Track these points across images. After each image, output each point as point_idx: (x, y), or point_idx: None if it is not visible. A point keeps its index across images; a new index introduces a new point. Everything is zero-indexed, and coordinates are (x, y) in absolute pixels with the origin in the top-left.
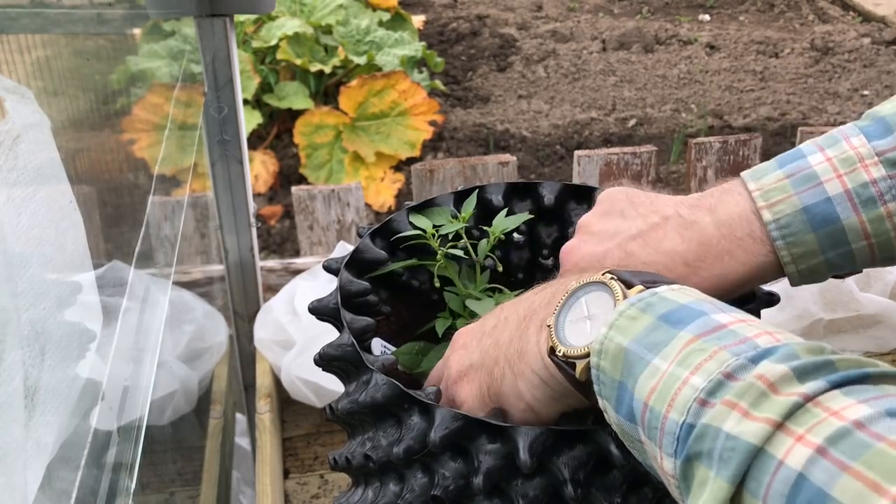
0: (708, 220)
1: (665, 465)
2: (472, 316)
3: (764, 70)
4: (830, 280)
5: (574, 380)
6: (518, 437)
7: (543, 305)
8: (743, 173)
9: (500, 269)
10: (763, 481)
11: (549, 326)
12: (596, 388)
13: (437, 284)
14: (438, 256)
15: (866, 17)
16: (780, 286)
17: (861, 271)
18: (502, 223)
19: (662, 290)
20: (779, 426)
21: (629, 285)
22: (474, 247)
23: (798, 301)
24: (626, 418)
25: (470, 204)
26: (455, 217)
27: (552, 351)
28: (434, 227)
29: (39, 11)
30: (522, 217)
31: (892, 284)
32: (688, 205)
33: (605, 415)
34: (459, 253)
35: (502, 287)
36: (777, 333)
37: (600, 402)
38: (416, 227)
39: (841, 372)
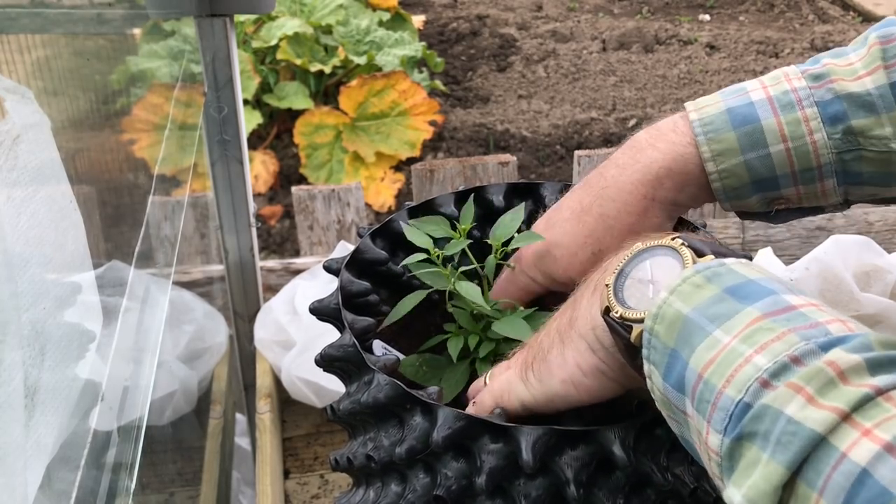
0: (642, 131)
1: (710, 441)
2: (485, 330)
3: (764, 70)
4: (830, 280)
5: (624, 344)
6: (521, 437)
7: (600, 276)
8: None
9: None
10: (823, 472)
11: (606, 286)
12: (645, 352)
13: (450, 308)
14: (450, 285)
15: (866, 17)
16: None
17: (791, 210)
18: (504, 230)
19: (731, 262)
20: (845, 417)
21: (700, 253)
22: (475, 254)
23: None
24: (675, 387)
25: (468, 214)
26: (453, 227)
27: (607, 311)
28: (435, 242)
29: (39, 11)
30: (520, 216)
31: (892, 284)
32: None
33: (647, 381)
34: (468, 287)
35: (514, 302)
36: (850, 322)
37: (646, 366)
38: (410, 242)
39: None
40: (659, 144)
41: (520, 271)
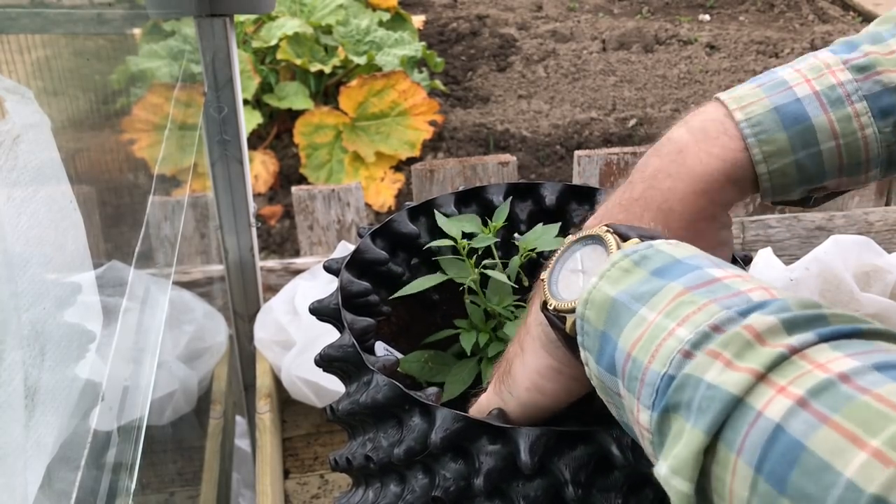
0: (682, 131)
1: (641, 418)
2: (496, 330)
3: (764, 70)
4: (830, 280)
5: (563, 337)
6: (519, 438)
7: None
8: (718, 94)
9: (527, 284)
10: (740, 432)
11: (542, 280)
12: (579, 338)
13: (468, 301)
14: (474, 274)
15: (866, 17)
16: (779, 286)
17: (829, 194)
18: (538, 241)
19: (659, 243)
20: (761, 377)
21: (625, 238)
22: (503, 261)
23: None
24: (607, 370)
25: (502, 213)
26: (484, 223)
27: (544, 305)
28: (462, 234)
29: (39, 11)
30: (558, 240)
31: (892, 284)
32: (662, 136)
33: (585, 368)
34: (496, 275)
35: (525, 304)
36: (773, 290)
37: (582, 353)
38: (423, 229)
39: (833, 326)
40: (714, 150)
41: None
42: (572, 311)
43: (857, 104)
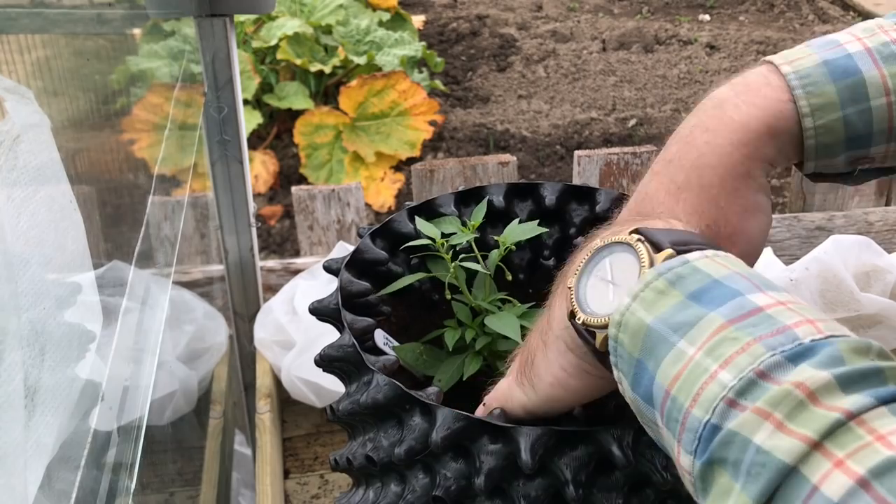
0: (724, 87)
1: (682, 461)
2: (482, 327)
3: None
4: (830, 280)
5: (592, 349)
6: (520, 438)
7: (570, 268)
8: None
9: (510, 278)
10: None
11: (569, 289)
12: (612, 359)
13: (449, 296)
14: (451, 269)
15: (866, 17)
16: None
17: (875, 170)
18: (513, 234)
19: (695, 259)
20: (816, 445)
21: (657, 248)
22: (483, 256)
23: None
24: (644, 399)
25: (479, 213)
26: (462, 223)
27: (572, 315)
28: (443, 235)
29: (39, 11)
30: (533, 230)
31: (892, 284)
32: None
33: (619, 386)
34: (476, 267)
35: (511, 298)
36: (819, 322)
37: (615, 373)
38: (422, 233)
39: (891, 385)
40: (755, 100)
41: None
42: (602, 326)
43: None
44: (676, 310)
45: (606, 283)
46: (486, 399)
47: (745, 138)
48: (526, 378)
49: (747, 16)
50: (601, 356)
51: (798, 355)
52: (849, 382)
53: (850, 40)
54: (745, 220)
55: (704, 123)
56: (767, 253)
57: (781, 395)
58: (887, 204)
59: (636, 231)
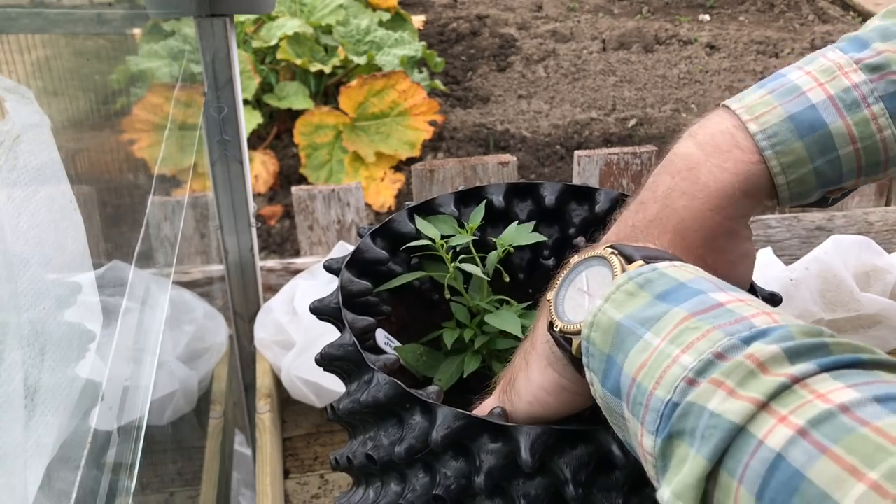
0: (690, 145)
1: (645, 443)
2: (480, 326)
3: (764, 70)
4: (830, 280)
5: (569, 357)
6: (520, 437)
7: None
8: (724, 101)
9: (507, 279)
10: (741, 460)
11: (548, 301)
12: (585, 360)
13: (448, 296)
14: (450, 269)
15: (866, 17)
16: (779, 286)
17: (846, 192)
18: (511, 238)
19: (663, 266)
20: (763, 406)
21: (630, 260)
22: (482, 258)
23: (798, 301)
24: (612, 392)
25: (478, 215)
26: (460, 224)
27: (551, 326)
28: (442, 236)
29: (39, 11)
30: (531, 232)
31: (892, 284)
32: (671, 150)
33: (591, 388)
34: (474, 270)
35: (510, 299)
36: (776, 314)
37: (587, 374)
38: (421, 233)
39: (834, 356)
40: (726, 165)
41: None
42: (578, 332)
43: (874, 106)
44: (645, 307)
45: (583, 293)
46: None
47: (722, 203)
48: (507, 397)
49: (747, 16)
50: (577, 364)
51: (752, 337)
52: (796, 354)
53: (812, 86)
54: (733, 269)
55: (680, 187)
56: (767, 253)
57: (734, 366)
58: (887, 204)
59: (611, 247)
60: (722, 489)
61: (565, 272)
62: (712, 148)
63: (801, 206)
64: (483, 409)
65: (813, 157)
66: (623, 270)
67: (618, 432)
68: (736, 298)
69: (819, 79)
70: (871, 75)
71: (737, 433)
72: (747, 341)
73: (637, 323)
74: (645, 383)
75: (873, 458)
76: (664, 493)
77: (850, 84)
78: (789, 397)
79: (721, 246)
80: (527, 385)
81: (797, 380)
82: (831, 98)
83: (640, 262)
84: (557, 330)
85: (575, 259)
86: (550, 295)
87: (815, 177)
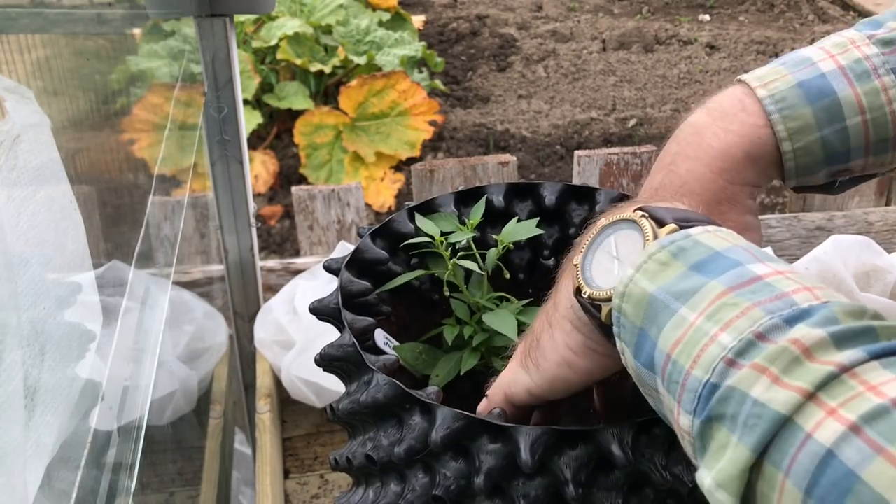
0: (700, 112)
1: (682, 422)
2: (480, 323)
3: None
4: (830, 280)
5: (598, 323)
6: (519, 437)
7: (576, 248)
8: (740, 76)
9: (508, 276)
10: (788, 453)
11: (575, 266)
12: (616, 330)
13: (447, 293)
14: (449, 266)
15: (866, 17)
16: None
17: (854, 179)
18: (511, 233)
19: (697, 233)
20: (810, 396)
21: (661, 223)
22: (482, 255)
23: None
24: (645, 366)
25: (478, 211)
26: (461, 221)
27: (578, 292)
28: (442, 233)
29: (39, 11)
30: (532, 227)
31: (892, 284)
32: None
33: (622, 357)
34: (472, 266)
35: (509, 296)
36: (817, 289)
37: (618, 344)
38: (421, 231)
39: (883, 342)
40: (732, 127)
41: None
42: (607, 299)
43: (885, 77)
44: (679, 279)
45: (612, 258)
46: (490, 390)
47: (725, 165)
48: (531, 360)
49: (747, 16)
50: (606, 330)
51: (795, 318)
52: (842, 339)
53: (823, 58)
54: None
55: (685, 151)
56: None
57: (778, 351)
58: (887, 204)
59: (640, 209)
60: (766, 481)
61: (592, 235)
62: (719, 113)
63: (808, 191)
64: (503, 379)
65: (821, 125)
66: (655, 236)
67: (650, 402)
68: (775, 271)
69: (831, 51)
70: (884, 48)
71: (783, 424)
72: (790, 321)
73: (671, 296)
74: (681, 361)
75: None
76: (705, 478)
77: (861, 55)
78: (838, 388)
79: (724, 212)
80: (552, 346)
81: (846, 368)
82: (842, 68)
83: (673, 227)
84: (586, 296)
85: (602, 221)
86: (577, 259)
87: (823, 147)
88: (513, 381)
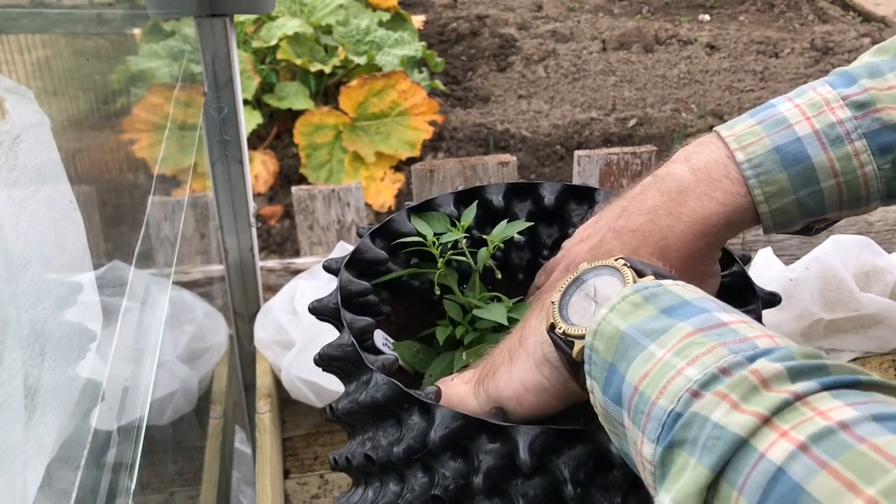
0: (684, 168)
1: (644, 451)
2: (472, 323)
3: (764, 70)
4: (830, 280)
5: (567, 360)
6: (518, 437)
7: (549, 292)
8: (716, 127)
9: (499, 276)
10: (742, 472)
11: (552, 303)
12: (586, 367)
13: (438, 293)
14: (439, 265)
15: (866, 17)
16: (779, 286)
17: (830, 223)
18: (502, 232)
19: (668, 284)
20: (766, 420)
21: (640, 274)
22: (473, 254)
23: (798, 301)
24: (613, 400)
25: (470, 213)
26: (455, 222)
27: (552, 328)
28: (434, 234)
29: (39, 11)
30: (522, 224)
31: (892, 284)
32: (662, 167)
33: (590, 396)
34: (462, 259)
35: (501, 295)
36: (777, 338)
37: (588, 381)
38: (417, 231)
39: (833, 376)
40: (715, 194)
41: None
42: (580, 337)
43: (857, 142)
44: (650, 320)
45: (590, 300)
46: (444, 391)
47: (705, 230)
48: (483, 389)
49: (747, 16)
50: (575, 367)
51: (756, 356)
52: (798, 373)
53: (799, 119)
54: (700, 287)
55: (667, 206)
56: (767, 253)
57: (738, 380)
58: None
59: (622, 258)
60: (721, 499)
61: (572, 277)
62: (704, 175)
63: (786, 233)
64: (450, 396)
65: (796, 189)
66: (634, 282)
67: (614, 440)
68: (739, 320)
69: (806, 112)
70: (856, 112)
71: (739, 445)
72: (751, 359)
73: (642, 334)
74: (648, 392)
75: (871, 474)
76: (663, 500)
77: (835, 120)
78: (791, 413)
79: (695, 266)
80: (507, 380)
81: (799, 397)
82: (816, 132)
83: (651, 277)
84: (560, 332)
85: (584, 266)
86: (555, 297)
87: (798, 207)
88: (462, 402)
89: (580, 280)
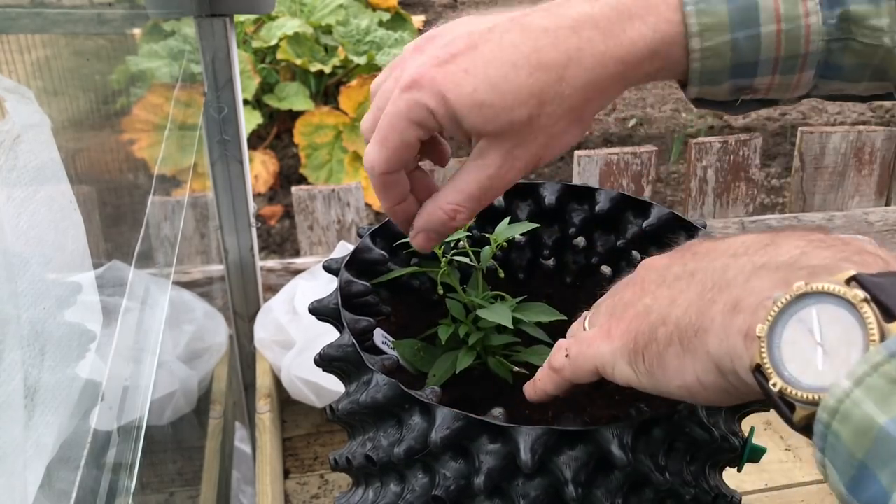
0: None
1: None
2: (475, 323)
3: None
4: None
5: (786, 417)
6: (519, 438)
7: (742, 283)
8: None
9: (502, 275)
10: None
11: (759, 338)
12: (818, 443)
13: (441, 292)
14: (442, 265)
15: None
16: None
17: (757, 104)
18: (505, 231)
19: None
20: None
21: (891, 315)
22: (476, 253)
23: None
24: None
25: None
26: (483, 223)
27: (758, 369)
28: None
29: (39, 11)
30: (525, 226)
31: None
32: None
33: (821, 469)
34: (463, 259)
35: (504, 294)
36: None
37: (817, 455)
38: None
39: None
40: (648, 17)
41: (418, 94)
42: (806, 402)
43: None
44: None
45: (813, 342)
46: (572, 351)
47: (626, 57)
48: (643, 362)
49: None
50: (790, 422)
51: None
52: None
53: None
54: (566, 134)
55: (595, 20)
56: None
57: None
58: (887, 204)
59: (856, 280)
60: None
61: (785, 300)
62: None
63: (708, 107)
64: (597, 348)
65: (734, 27)
66: (882, 335)
67: None
68: None
69: None
70: None
71: None
72: None
73: None
74: None
75: None
76: None
77: None
78: None
79: (592, 98)
80: (679, 370)
81: None
82: None
83: None
84: (776, 389)
85: (800, 287)
86: (761, 329)
87: (732, 51)
88: (610, 364)
89: (795, 307)
